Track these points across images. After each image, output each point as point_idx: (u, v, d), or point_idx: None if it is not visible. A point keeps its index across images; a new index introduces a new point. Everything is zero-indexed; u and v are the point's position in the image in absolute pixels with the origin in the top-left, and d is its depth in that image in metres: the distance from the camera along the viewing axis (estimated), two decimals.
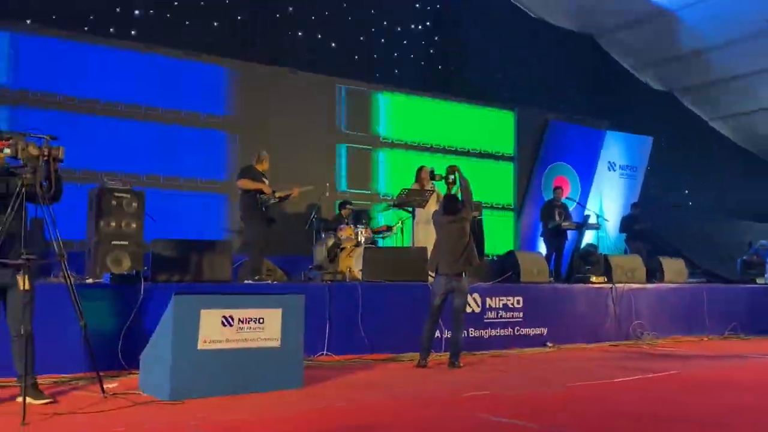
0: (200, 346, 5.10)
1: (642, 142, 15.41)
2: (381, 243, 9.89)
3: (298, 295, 5.81)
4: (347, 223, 9.28)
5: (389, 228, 10.18)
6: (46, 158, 4.50)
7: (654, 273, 11.16)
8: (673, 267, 11.44)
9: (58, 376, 5.61)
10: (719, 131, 18.23)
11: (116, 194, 7.03)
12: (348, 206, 9.63)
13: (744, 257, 13.58)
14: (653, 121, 16.14)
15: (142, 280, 6.37)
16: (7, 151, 4.41)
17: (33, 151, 4.44)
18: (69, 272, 4.83)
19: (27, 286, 4.42)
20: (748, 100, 16.85)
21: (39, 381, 4.80)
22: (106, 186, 7.18)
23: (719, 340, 10.46)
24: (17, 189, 4.32)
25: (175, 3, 10.84)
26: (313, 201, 9.77)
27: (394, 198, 10.51)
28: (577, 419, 4.73)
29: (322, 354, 7.11)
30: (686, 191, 17.56)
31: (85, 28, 10.09)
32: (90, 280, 6.63)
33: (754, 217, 17.78)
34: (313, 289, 7.46)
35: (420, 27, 13.60)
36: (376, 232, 9.89)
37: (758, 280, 12.89)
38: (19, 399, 4.34)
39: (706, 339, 10.42)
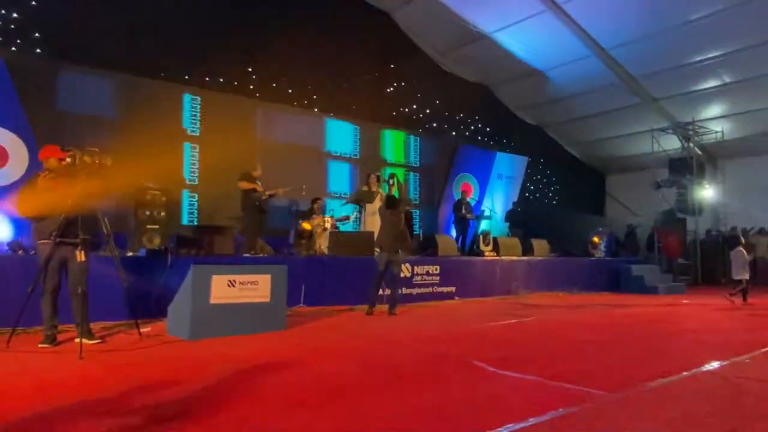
0: (212, 301, 5.22)
1: (521, 161, 15.74)
2: (341, 228, 9.86)
3: (282, 266, 5.97)
4: (317, 214, 9.26)
5: (347, 217, 10.23)
6: (97, 165, 4.56)
7: (527, 249, 11.45)
8: (540, 246, 11.78)
9: (106, 323, 5.54)
10: (572, 153, 18.66)
11: (150, 191, 6.93)
12: (318, 201, 9.57)
13: (586, 240, 14.02)
14: (528, 146, 16.48)
15: (169, 254, 6.30)
16: (68, 160, 4.45)
17: (87, 159, 4.47)
18: (115, 247, 4.87)
19: (83, 258, 4.45)
20: (591, 133, 17.30)
21: (91, 327, 4.78)
22: (143, 185, 7.07)
23: (569, 295, 10.82)
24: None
25: None
26: (294, 197, 9.77)
27: (349, 196, 10.67)
28: (478, 345, 4.92)
29: (299, 306, 7.13)
30: (550, 194, 17.97)
31: None
32: (130, 254, 6.50)
33: (593, 212, 18.35)
34: (293, 260, 7.43)
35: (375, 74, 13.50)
36: (338, 220, 9.88)
37: (595, 254, 13.37)
38: (77, 340, 4.32)
39: (560, 294, 10.77)
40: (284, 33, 11.36)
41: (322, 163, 11.88)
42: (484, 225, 12.80)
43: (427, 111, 14.61)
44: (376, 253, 7.62)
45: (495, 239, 11.26)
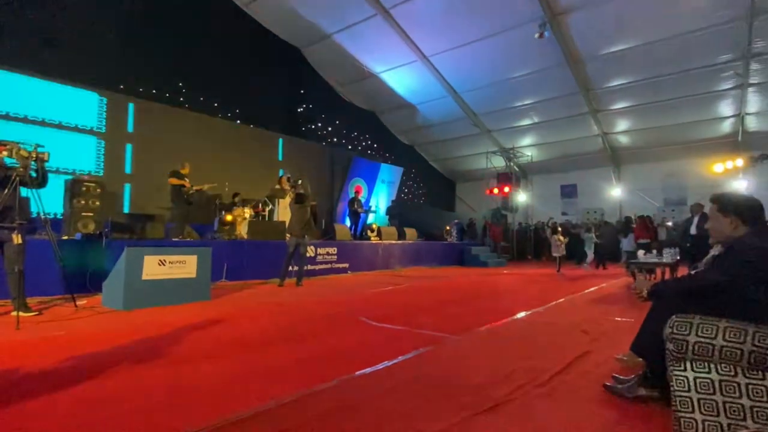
0: (144, 277, 4.75)
1: (398, 170, 16.20)
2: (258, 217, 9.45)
3: (207, 248, 5.58)
4: (238, 205, 8.80)
5: (263, 209, 9.82)
6: (34, 159, 3.92)
7: (401, 235, 11.83)
8: (411, 232, 12.21)
9: (43, 297, 4.81)
10: (434, 166, 19.50)
11: (85, 183, 6.09)
12: (239, 195, 9.08)
13: (442, 228, 14.80)
14: (404, 159, 17.01)
15: (104, 237, 5.61)
16: (5, 153, 3.80)
17: (23, 153, 3.84)
18: (51, 231, 4.23)
19: (19, 241, 3.81)
20: (447, 152, 18.20)
21: (28, 301, 4.14)
22: (78, 177, 6.22)
23: (430, 268, 11.19)
24: (12, 178, 3.75)
25: None
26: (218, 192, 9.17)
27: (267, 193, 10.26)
28: (364, 306, 4.95)
29: (222, 281, 6.73)
30: (419, 195, 18.69)
31: None
32: (65, 237, 5.67)
33: (447, 208, 19.38)
34: (217, 243, 6.99)
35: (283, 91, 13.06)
36: (256, 211, 9.44)
37: (448, 239, 14.16)
38: (14, 313, 3.69)
39: (424, 268, 11.13)
40: (213, 57, 10.65)
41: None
42: (371, 217, 13.04)
43: (329, 128, 14.49)
44: (287, 238, 7.42)
45: (379, 228, 11.51)
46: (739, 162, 12.73)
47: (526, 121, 14.88)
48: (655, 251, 7.95)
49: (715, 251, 2.32)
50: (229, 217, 8.27)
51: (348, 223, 12.39)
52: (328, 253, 8.80)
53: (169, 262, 4.91)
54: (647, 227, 9.82)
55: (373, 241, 10.54)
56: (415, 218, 14.75)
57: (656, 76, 11.35)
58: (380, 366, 2.70)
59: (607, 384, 2.29)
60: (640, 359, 2.29)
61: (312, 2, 10.84)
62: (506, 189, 15.94)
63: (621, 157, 15.82)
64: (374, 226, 11.50)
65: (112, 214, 6.78)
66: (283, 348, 3.16)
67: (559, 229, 11.10)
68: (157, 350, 2.98)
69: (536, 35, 9.88)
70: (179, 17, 9.93)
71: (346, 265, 9.16)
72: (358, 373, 2.55)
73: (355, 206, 11.80)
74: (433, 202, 18.50)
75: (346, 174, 14.09)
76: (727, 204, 2.02)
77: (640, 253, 7.84)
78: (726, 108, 12.35)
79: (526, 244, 16.73)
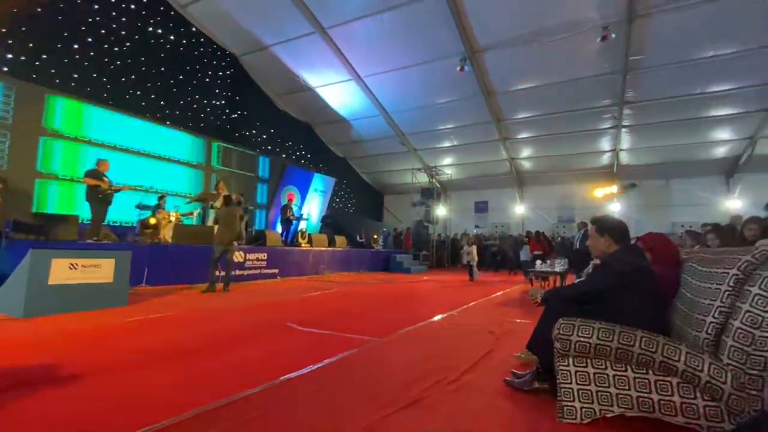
0: (51, 282, 4.15)
1: (331, 181, 16.06)
2: (186, 221, 8.78)
3: (127, 251, 5.01)
4: (163, 208, 8.11)
5: (191, 213, 9.17)
6: None
7: (332, 242, 11.74)
8: (341, 240, 12.16)
9: None
10: (365, 179, 19.63)
11: None
12: (164, 197, 8.38)
13: (370, 237, 14.95)
14: (337, 170, 16.91)
15: (2, 237, 4.85)
16: None
17: None
18: None
19: None
20: (377, 166, 18.45)
21: None
22: None
23: (358, 274, 11.20)
24: None
25: None
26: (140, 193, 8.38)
27: (194, 195, 9.63)
28: (292, 312, 4.77)
29: (142, 285, 6.14)
30: (349, 205, 18.69)
31: None
32: None
33: (376, 219, 19.62)
34: (137, 247, 6.36)
35: (222, 99, 12.37)
36: (183, 215, 8.78)
37: (375, 247, 14.33)
38: None
39: (352, 273, 11.15)
40: (145, 56, 9.81)
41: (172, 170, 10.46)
42: (303, 225, 12.77)
43: (264, 136, 13.99)
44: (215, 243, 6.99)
45: (310, 235, 11.31)
46: (614, 189, 14.60)
47: (447, 143, 15.67)
48: (548, 261, 8.78)
49: (594, 264, 2.64)
50: (152, 220, 7.56)
51: (279, 229, 12.01)
52: (257, 259, 8.44)
53: (82, 266, 4.37)
54: (539, 241, 10.81)
55: (304, 248, 10.32)
56: (345, 227, 14.74)
57: (553, 113, 12.65)
58: (306, 370, 2.65)
59: (507, 379, 2.48)
60: (534, 356, 2.52)
61: (252, 13, 10.49)
62: (428, 204, 16.51)
63: (524, 179, 17.29)
64: (305, 233, 11.27)
65: (18, 213, 5.87)
66: (207, 355, 2.97)
67: (471, 240, 11.65)
68: (63, 363, 2.63)
69: (458, 68, 10.51)
70: (109, 11, 9.04)
71: (275, 270, 8.85)
72: (283, 377, 2.48)
73: (288, 213, 11.48)
74: (363, 212, 18.62)
75: (279, 181, 13.65)
76: (603, 226, 2.33)
77: (538, 263, 8.59)
78: (605, 143, 14.12)
79: (443, 254, 17.49)
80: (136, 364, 2.66)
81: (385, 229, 16.65)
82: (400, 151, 16.25)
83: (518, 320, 4.72)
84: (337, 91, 13.24)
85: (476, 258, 10.47)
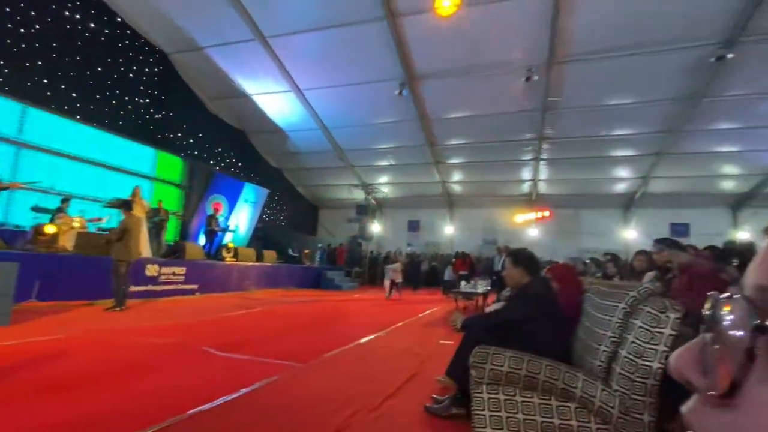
0: None
1: (263, 192, 15.44)
2: (91, 228, 7.87)
3: (12, 263, 4.34)
4: (65, 212, 7.19)
5: (100, 219, 8.23)
6: None
7: (260, 257, 11.26)
8: (270, 255, 11.73)
9: None
10: (299, 191, 19.25)
11: None
12: (68, 200, 7.45)
13: (302, 252, 14.58)
14: (270, 181, 16.28)
15: None
16: None
17: None
18: None
19: None
20: (313, 179, 18.23)
21: None
22: None
23: (287, 291, 10.82)
24: None
25: None
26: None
27: (111, 201, 8.68)
28: (209, 333, 4.44)
29: (30, 301, 5.35)
30: (281, 218, 18.14)
31: None
32: None
33: (309, 233, 19.24)
34: (27, 256, 5.55)
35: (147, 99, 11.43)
36: (89, 220, 7.86)
37: (306, 263, 13.98)
38: None
39: (281, 290, 10.75)
40: (57, 47, 8.81)
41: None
42: (229, 237, 12.09)
43: (192, 140, 13.17)
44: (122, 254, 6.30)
45: (236, 248, 10.72)
46: (532, 216, 15.90)
47: (385, 162, 15.99)
48: (472, 281, 9.24)
49: (508, 292, 2.83)
50: (49, 228, 6.61)
51: (202, 241, 11.26)
52: (174, 273, 7.79)
53: None
54: (464, 261, 11.38)
55: (228, 262, 9.76)
56: (277, 240, 14.24)
57: (482, 142, 13.55)
58: (219, 401, 2.47)
59: (427, 405, 2.53)
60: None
61: (187, 12, 9.94)
62: (363, 220, 16.59)
63: (454, 201, 18.18)
64: (231, 246, 10.66)
65: None
66: (102, 387, 2.64)
67: (397, 258, 11.80)
68: None
69: (396, 92, 10.87)
70: None
71: (195, 286, 8.23)
72: (192, 411, 2.29)
73: (212, 224, 10.82)
74: (297, 226, 18.16)
75: (205, 189, 12.83)
76: (518, 258, 2.51)
77: (462, 283, 9.00)
78: (526, 173, 15.40)
79: (376, 270, 17.60)
80: (9, 400, 2.28)
81: (321, 245, 16.36)
82: (338, 166, 16.22)
83: (443, 341, 4.86)
84: (274, 101, 12.94)
85: (401, 276, 10.54)
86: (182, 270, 7.97)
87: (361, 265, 16.56)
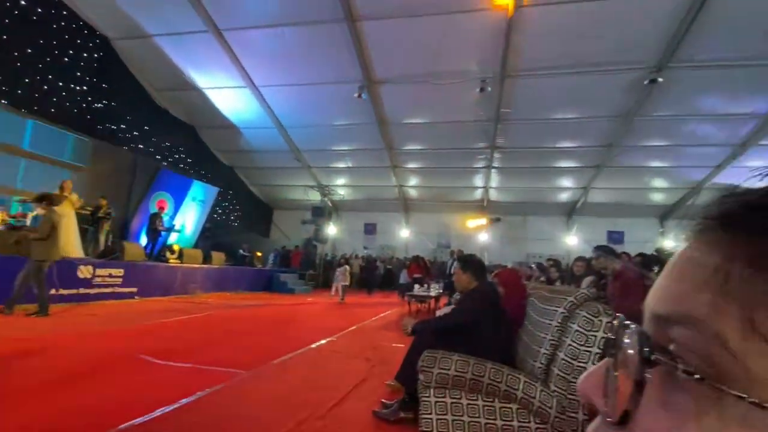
0: None
1: (213, 190, 14.71)
2: (14, 223, 7.11)
3: None
4: None
5: (24, 215, 7.47)
6: None
7: (208, 259, 10.75)
8: (218, 256, 11.25)
9: None
10: (253, 191, 18.71)
11: None
12: None
13: (254, 254, 14.13)
14: (221, 179, 15.56)
15: None
16: None
17: None
18: None
19: None
20: (268, 179, 17.77)
21: None
22: None
23: (236, 294, 10.44)
24: None
25: None
26: None
27: (37, 195, 7.87)
28: (148, 340, 4.14)
29: None
30: (233, 218, 17.46)
31: None
32: None
33: (262, 234, 18.65)
34: None
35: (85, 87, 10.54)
36: (11, 216, 7.12)
37: (258, 265, 13.55)
38: None
39: (229, 294, 10.34)
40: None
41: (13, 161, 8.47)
42: (174, 237, 11.45)
43: (135, 133, 12.32)
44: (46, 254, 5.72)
45: (181, 249, 10.17)
46: (483, 221, 16.50)
47: (342, 164, 15.89)
48: (426, 285, 9.42)
49: (458, 296, 2.91)
50: None
51: (144, 241, 10.56)
52: (110, 275, 7.21)
53: None
54: (419, 265, 11.58)
55: (172, 264, 9.22)
56: (227, 241, 13.67)
57: (438, 148, 13.88)
58: (158, 412, 2.32)
59: (375, 410, 2.53)
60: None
61: None
62: (318, 222, 16.36)
63: (410, 205, 18.44)
64: (176, 247, 10.09)
65: None
66: (27, 402, 2.39)
67: (347, 261, 11.82)
68: None
69: (356, 95, 10.86)
70: None
71: (133, 289, 7.68)
72: (126, 424, 2.12)
73: (156, 223, 10.18)
74: (249, 227, 17.53)
75: (149, 185, 12.06)
76: (466, 264, 2.59)
77: (416, 286, 9.14)
78: (478, 181, 15.96)
79: (330, 274, 17.39)
80: None
81: (276, 249, 15.93)
82: (294, 166, 15.90)
83: (394, 344, 4.89)
84: (228, 96, 12.46)
85: (348, 279, 10.56)
86: (120, 272, 7.42)
87: (315, 268, 16.31)
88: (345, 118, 12.76)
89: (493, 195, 16.69)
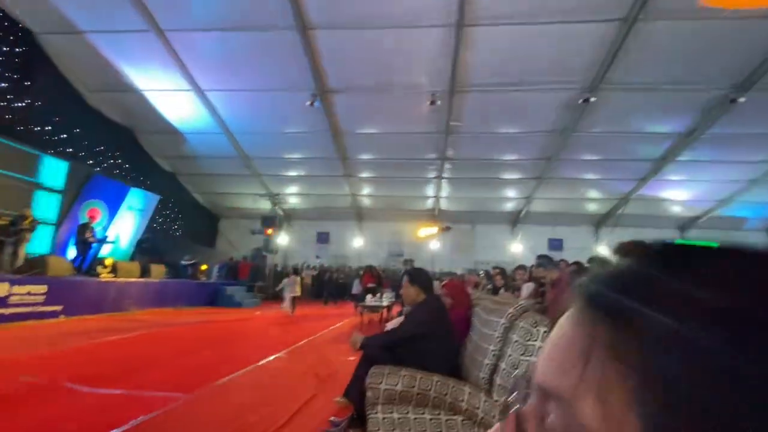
0: None
1: (152, 198, 13.87)
2: None
3: None
4: None
5: None
6: None
7: (146, 272, 10.02)
8: (158, 269, 10.52)
9: None
10: (197, 199, 17.87)
11: None
12: None
13: (203, 265, 13.41)
14: (162, 186, 14.69)
15: None
16: None
17: None
18: None
19: None
20: (214, 186, 17.01)
21: None
22: None
23: (176, 310, 9.73)
24: None
25: None
26: None
27: None
28: (74, 365, 3.75)
29: None
30: (175, 227, 16.53)
31: None
32: None
33: (207, 245, 17.80)
34: None
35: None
36: None
37: (201, 278, 12.89)
38: None
39: (169, 310, 9.59)
40: None
41: None
42: (108, 249, 10.59)
43: (64, 135, 11.32)
44: None
45: (115, 262, 9.41)
46: (434, 230, 16.90)
47: (294, 172, 15.61)
48: (378, 294, 9.44)
49: (407, 309, 2.94)
50: None
51: (73, 254, 9.67)
52: (30, 293, 6.48)
53: None
54: (372, 275, 11.60)
55: (105, 279, 8.51)
56: (168, 253, 12.87)
57: (391, 158, 14.06)
58: None
59: (323, 430, 2.49)
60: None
61: None
62: (269, 231, 15.91)
63: (363, 214, 18.47)
64: (109, 260, 9.32)
65: None
66: None
67: (295, 271, 11.43)
68: None
69: (308, 103, 10.75)
70: None
71: (58, 308, 6.94)
72: None
73: (86, 234, 9.36)
74: (193, 237, 16.64)
75: (78, 192, 11.08)
76: (414, 277, 2.63)
77: (369, 296, 9.13)
78: (430, 190, 16.36)
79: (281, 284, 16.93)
80: None
81: (222, 260, 15.20)
82: (243, 173, 15.38)
83: (346, 358, 4.84)
84: (170, 99, 11.83)
85: (299, 291, 10.32)
86: (42, 288, 6.71)
87: (265, 280, 15.80)
88: (297, 126, 12.57)
89: (444, 204, 17.17)
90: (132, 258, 11.63)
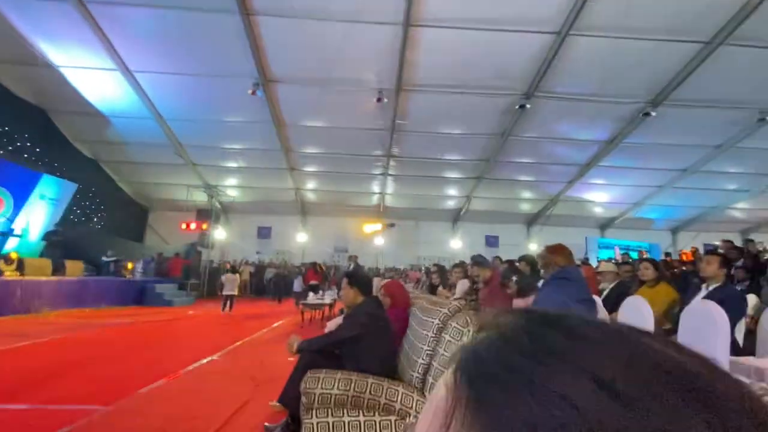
0: None
1: (69, 186, 12.54)
2: None
3: None
4: None
5: None
6: None
7: (59, 269, 9.06)
8: (74, 266, 9.62)
9: None
10: (123, 189, 16.46)
11: None
12: None
13: (129, 261, 12.38)
14: (81, 174, 13.30)
15: None
16: None
17: None
18: None
19: None
20: (142, 176, 15.81)
21: None
22: None
23: (97, 310, 8.94)
24: None
25: None
26: None
27: None
28: None
29: None
30: (96, 220, 15.08)
31: None
32: None
33: (135, 239, 16.57)
34: None
35: None
36: None
37: (127, 275, 11.94)
38: None
39: (88, 310, 8.76)
40: None
41: None
42: (13, 243, 9.40)
43: None
44: None
45: (21, 259, 8.39)
46: (379, 226, 17.07)
47: (233, 163, 14.90)
48: (321, 291, 9.35)
49: (346, 311, 2.94)
50: None
51: None
52: None
53: None
54: (316, 272, 11.44)
55: (8, 277, 7.56)
56: (86, 248, 11.70)
57: (336, 153, 13.91)
58: None
59: None
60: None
61: None
62: (204, 226, 15.09)
63: (308, 209, 18.14)
64: (13, 255, 8.28)
65: None
66: None
67: (235, 267, 11.07)
68: None
69: (249, 91, 10.28)
70: None
71: None
72: None
73: None
74: (117, 231, 15.27)
75: None
76: (353, 280, 2.64)
77: (311, 294, 9.01)
78: (375, 187, 16.46)
79: (216, 282, 16.15)
80: None
81: (149, 255, 14.13)
82: (176, 163, 14.38)
83: (283, 359, 4.73)
84: (92, 78, 10.71)
85: (236, 289, 9.95)
86: None
87: (199, 277, 14.97)
88: (237, 114, 12.00)
89: (389, 201, 17.37)
90: (43, 253, 10.43)
